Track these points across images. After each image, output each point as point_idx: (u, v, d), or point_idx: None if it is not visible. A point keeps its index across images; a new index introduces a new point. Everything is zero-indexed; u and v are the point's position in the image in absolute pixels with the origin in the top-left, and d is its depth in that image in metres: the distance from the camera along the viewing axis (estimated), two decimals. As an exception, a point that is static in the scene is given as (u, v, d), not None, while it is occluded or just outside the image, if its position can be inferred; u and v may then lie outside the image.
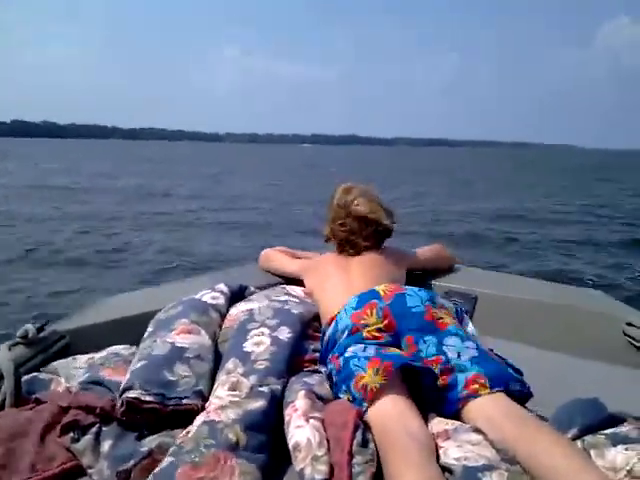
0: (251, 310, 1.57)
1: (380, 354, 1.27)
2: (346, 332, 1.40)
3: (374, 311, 1.41)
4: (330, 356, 1.37)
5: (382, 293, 1.47)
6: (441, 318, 1.39)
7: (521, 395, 1.24)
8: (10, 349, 1.46)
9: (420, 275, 2.15)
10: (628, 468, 0.95)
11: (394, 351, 1.31)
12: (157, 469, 1.05)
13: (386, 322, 1.39)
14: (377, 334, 1.36)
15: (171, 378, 1.28)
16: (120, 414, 1.21)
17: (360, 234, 1.85)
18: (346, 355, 1.31)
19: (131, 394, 1.22)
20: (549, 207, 14.14)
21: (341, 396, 1.27)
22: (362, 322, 1.40)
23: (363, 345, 1.33)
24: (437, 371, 1.25)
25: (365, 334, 1.36)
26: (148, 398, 1.21)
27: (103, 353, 1.53)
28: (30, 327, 1.53)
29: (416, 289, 1.50)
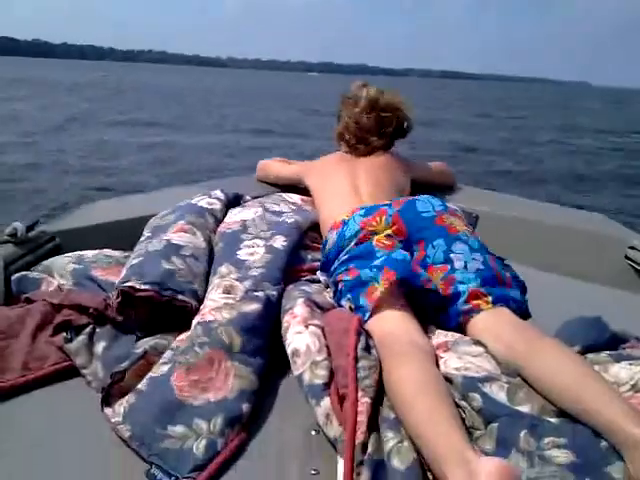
0: (245, 221, 1.52)
1: (389, 260, 1.23)
2: (354, 240, 1.36)
3: (383, 217, 1.38)
4: (347, 266, 1.31)
5: (392, 202, 1.43)
6: (452, 223, 1.35)
7: (521, 312, 1.22)
8: None
9: (421, 191, 2.10)
10: (632, 382, 0.94)
11: (404, 254, 1.27)
12: (152, 371, 1.05)
13: (395, 228, 1.35)
14: (387, 241, 1.33)
15: (168, 267, 1.25)
16: (116, 305, 1.19)
17: (375, 130, 1.77)
18: (366, 269, 1.25)
19: (126, 284, 1.19)
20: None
21: (343, 304, 1.25)
22: (370, 229, 1.36)
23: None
24: (440, 279, 1.23)
25: (375, 242, 1.32)
26: (144, 287, 1.18)
27: (95, 252, 1.49)
28: (19, 225, 1.47)
29: (428, 196, 1.46)
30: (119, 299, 1.18)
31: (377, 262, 1.25)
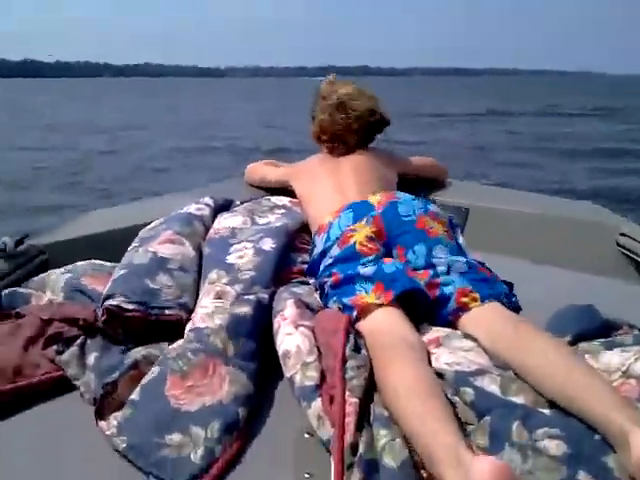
0: (233, 228, 1.51)
1: (384, 277, 1.20)
2: (337, 242, 1.35)
3: (364, 219, 1.37)
4: (330, 271, 1.31)
5: (375, 203, 1.42)
6: (432, 227, 1.36)
7: (511, 306, 1.22)
8: None
9: (411, 186, 2.09)
10: (623, 369, 0.94)
11: (396, 265, 1.25)
12: (145, 379, 1.04)
13: (375, 229, 1.35)
14: (369, 244, 1.31)
15: (153, 286, 1.24)
16: (101, 323, 1.18)
17: (350, 128, 1.73)
18: (350, 272, 1.25)
19: (112, 302, 1.18)
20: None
21: (330, 306, 1.25)
22: (351, 229, 1.35)
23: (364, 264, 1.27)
24: (424, 284, 1.22)
25: (358, 246, 1.31)
26: (130, 306, 1.18)
27: (84, 263, 1.48)
28: (8, 240, 1.46)
29: (410, 197, 1.46)
30: (105, 317, 1.17)
31: (367, 271, 1.23)
